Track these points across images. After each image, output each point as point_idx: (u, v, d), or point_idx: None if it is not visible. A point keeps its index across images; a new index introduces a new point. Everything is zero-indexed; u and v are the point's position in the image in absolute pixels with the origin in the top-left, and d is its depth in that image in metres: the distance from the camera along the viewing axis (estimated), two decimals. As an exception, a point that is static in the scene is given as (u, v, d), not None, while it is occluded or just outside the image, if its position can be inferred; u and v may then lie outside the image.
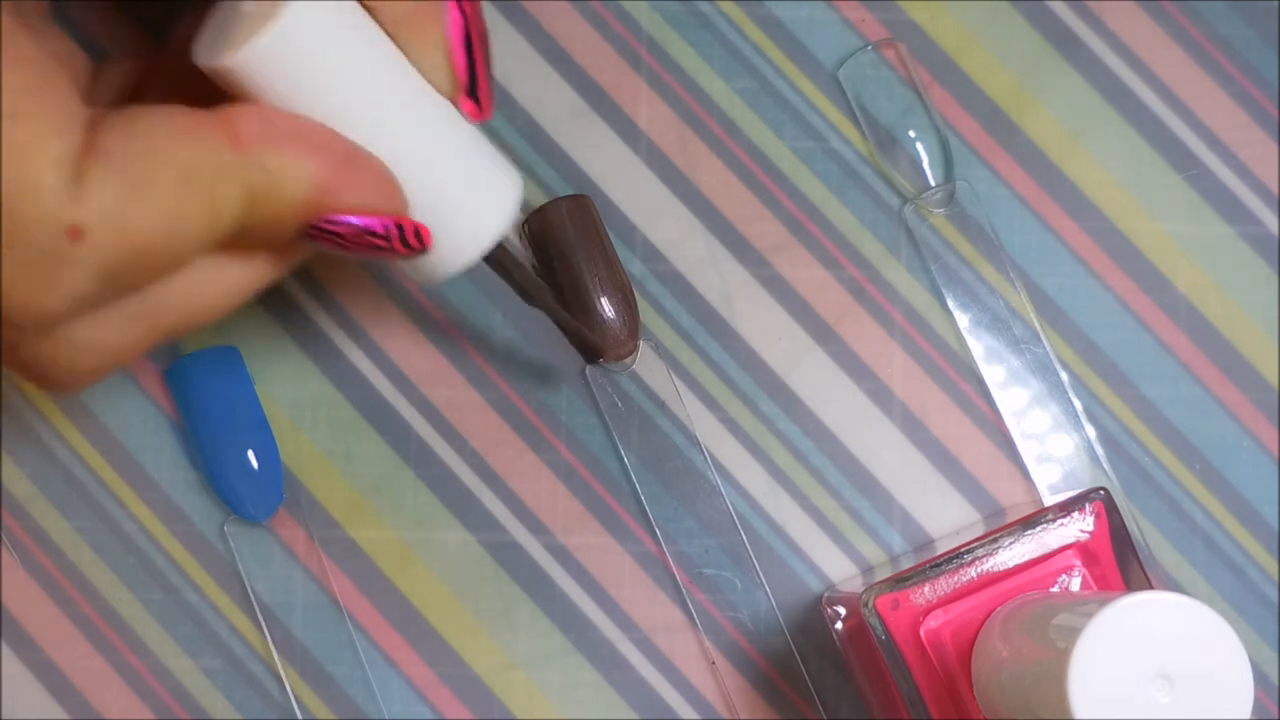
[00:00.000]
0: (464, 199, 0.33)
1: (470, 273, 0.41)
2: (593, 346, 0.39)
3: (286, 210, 0.29)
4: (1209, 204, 0.42)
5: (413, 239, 0.31)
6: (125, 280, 0.28)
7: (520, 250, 0.41)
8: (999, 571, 0.35)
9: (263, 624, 0.40)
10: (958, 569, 0.34)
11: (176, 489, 0.41)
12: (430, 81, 0.32)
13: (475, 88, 0.32)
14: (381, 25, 0.31)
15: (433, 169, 0.32)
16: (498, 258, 0.34)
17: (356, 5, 0.31)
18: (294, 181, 0.29)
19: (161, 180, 0.28)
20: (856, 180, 0.42)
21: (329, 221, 0.30)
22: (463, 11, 0.31)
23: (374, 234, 0.30)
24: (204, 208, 0.28)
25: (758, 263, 0.42)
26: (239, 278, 0.31)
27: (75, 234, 0.27)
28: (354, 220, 0.30)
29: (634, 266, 0.42)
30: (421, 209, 0.32)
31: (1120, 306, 0.42)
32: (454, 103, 0.32)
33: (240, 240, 0.30)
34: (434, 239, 0.32)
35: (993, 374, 0.41)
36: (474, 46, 0.32)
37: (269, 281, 0.32)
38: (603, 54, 0.43)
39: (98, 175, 0.27)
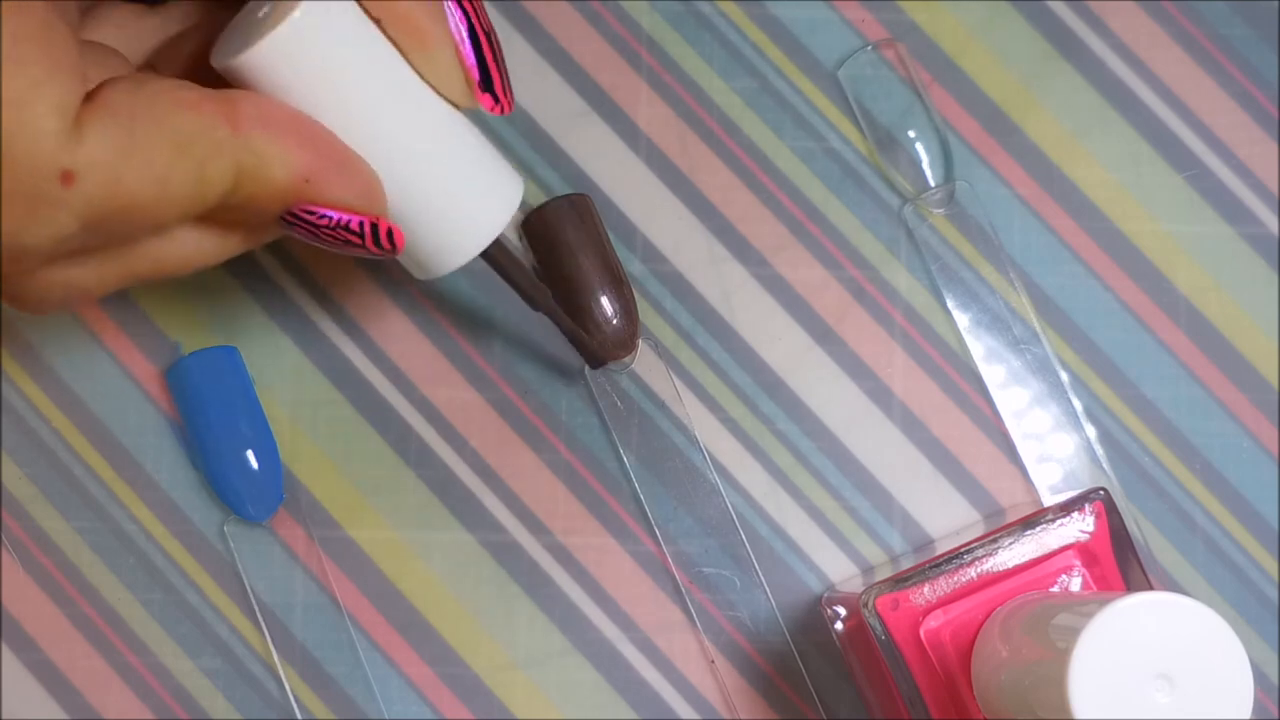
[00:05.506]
0: (461, 200, 0.34)
1: (470, 273, 0.42)
2: (592, 351, 0.39)
3: (270, 193, 0.31)
4: (1209, 204, 0.42)
5: (385, 240, 0.32)
6: (106, 231, 0.29)
7: (520, 251, 0.41)
8: (999, 572, 0.35)
9: (263, 624, 0.40)
10: (958, 569, 0.34)
11: (176, 489, 0.41)
12: (443, 82, 0.33)
13: (489, 82, 0.33)
14: (387, 31, 0.32)
15: (429, 169, 0.33)
16: (498, 259, 0.35)
17: (362, 13, 0.31)
18: (281, 168, 0.30)
19: (157, 144, 0.29)
20: (856, 180, 0.42)
21: (307, 211, 0.31)
22: (465, 8, 0.32)
23: (348, 229, 0.32)
24: (193, 177, 0.29)
25: (758, 263, 0.42)
26: (213, 246, 0.32)
27: (68, 179, 0.28)
28: (331, 213, 0.32)
29: (634, 266, 0.42)
30: (416, 207, 0.33)
31: (1120, 306, 0.42)
32: (471, 100, 0.33)
33: (220, 215, 0.31)
34: (425, 238, 0.34)
35: (993, 374, 0.41)
36: (481, 41, 0.33)
37: (240, 252, 0.33)
38: (603, 54, 0.43)
39: (98, 127, 0.28)
